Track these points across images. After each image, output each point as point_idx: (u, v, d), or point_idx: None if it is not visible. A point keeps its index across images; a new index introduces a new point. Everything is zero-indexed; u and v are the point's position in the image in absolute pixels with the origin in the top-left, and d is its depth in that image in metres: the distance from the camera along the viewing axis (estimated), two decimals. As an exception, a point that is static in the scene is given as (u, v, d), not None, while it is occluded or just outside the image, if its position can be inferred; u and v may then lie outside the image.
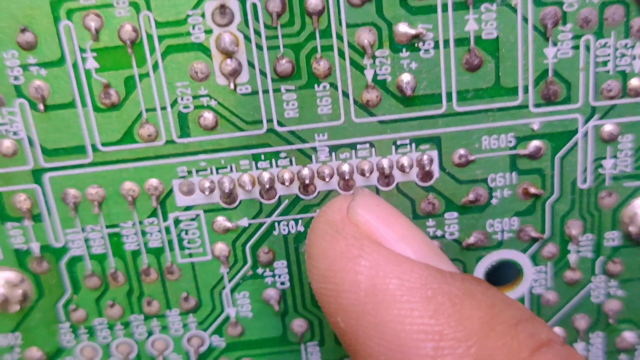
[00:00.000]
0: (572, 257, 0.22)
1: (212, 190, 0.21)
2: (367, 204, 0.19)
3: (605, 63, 0.20)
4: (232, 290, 0.22)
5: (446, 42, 0.20)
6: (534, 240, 0.22)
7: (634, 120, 0.20)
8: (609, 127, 0.21)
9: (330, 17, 0.19)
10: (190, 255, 0.22)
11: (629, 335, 0.23)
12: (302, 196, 0.21)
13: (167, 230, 0.21)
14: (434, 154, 0.21)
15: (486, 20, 0.19)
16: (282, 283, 0.22)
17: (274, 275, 0.22)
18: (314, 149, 0.20)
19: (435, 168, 0.21)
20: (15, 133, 0.20)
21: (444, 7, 0.19)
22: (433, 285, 0.17)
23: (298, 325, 0.22)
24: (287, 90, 0.20)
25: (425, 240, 0.19)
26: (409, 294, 0.17)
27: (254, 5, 0.19)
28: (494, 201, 0.21)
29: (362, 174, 0.21)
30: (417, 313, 0.17)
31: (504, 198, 0.21)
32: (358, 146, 0.20)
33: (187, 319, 0.22)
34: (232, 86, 0.20)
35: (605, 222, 0.22)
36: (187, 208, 0.21)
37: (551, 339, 0.17)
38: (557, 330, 0.23)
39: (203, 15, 0.19)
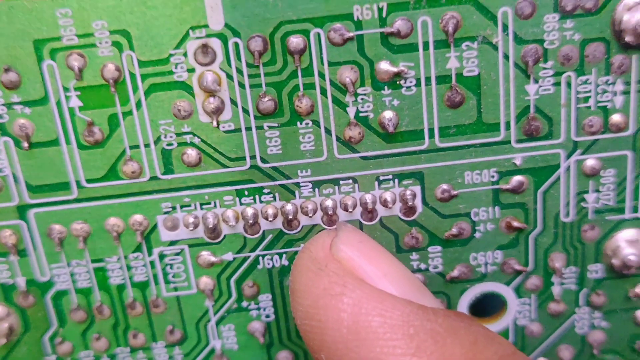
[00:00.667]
0: (555, 289, 0.22)
1: (196, 226, 0.21)
2: (350, 240, 0.19)
3: (586, 99, 0.20)
4: (218, 323, 0.22)
5: (428, 79, 0.20)
6: (518, 272, 0.22)
7: (615, 155, 0.21)
8: (591, 161, 0.21)
9: (312, 56, 0.19)
10: (176, 289, 0.22)
11: (613, 366, 0.23)
12: (285, 231, 0.21)
13: (152, 264, 0.21)
14: (417, 189, 0.21)
15: (467, 57, 0.19)
16: (267, 316, 0.22)
17: (258, 309, 0.22)
18: (297, 184, 0.21)
19: (418, 203, 0.21)
20: (0, 170, 0.20)
21: (425, 46, 0.19)
22: (415, 322, 0.17)
23: (284, 357, 0.22)
24: (270, 128, 0.20)
25: (408, 276, 0.19)
26: (391, 332, 0.17)
27: (236, 45, 0.19)
28: (477, 235, 0.21)
29: (346, 209, 0.21)
30: (399, 351, 0.17)
31: (487, 232, 0.21)
32: (341, 182, 0.21)
33: (173, 351, 0.22)
34: (215, 124, 0.20)
35: (589, 255, 0.22)
36: (172, 243, 0.21)
37: None
38: (542, 360, 0.23)
39: (185, 55, 0.19)
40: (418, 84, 0.20)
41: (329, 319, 0.18)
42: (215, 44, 0.19)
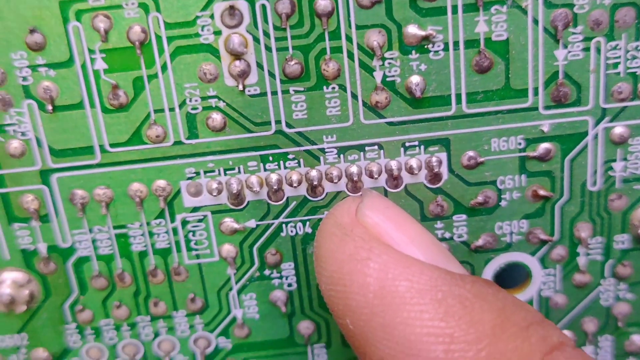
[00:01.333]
0: (581, 260, 0.22)
1: (219, 192, 0.21)
2: (376, 206, 0.19)
3: (615, 65, 0.20)
4: (239, 292, 0.22)
5: (456, 43, 0.19)
6: (543, 242, 0.22)
7: (644, 123, 0.21)
8: (619, 129, 0.21)
9: (340, 19, 0.19)
10: (198, 256, 0.21)
11: (637, 339, 0.23)
12: (310, 198, 0.21)
13: (175, 231, 0.21)
14: (443, 155, 0.21)
15: (496, 22, 0.19)
16: (289, 285, 0.22)
17: (281, 277, 0.22)
18: (323, 150, 0.20)
19: (444, 170, 0.21)
20: (23, 134, 0.20)
21: (454, 9, 0.19)
22: (443, 287, 0.17)
23: (305, 327, 0.22)
24: (296, 92, 0.20)
25: (435, 242, 0.19)
26: (418, 296, 0.17)
27: (263, 7, 0.19)
28: (503, 203, 0.21)
29: (371, 175, 0.20)
30: (427, 315, 0.17)
31: (513, 200, 0.21)
32: (366, 148, 0.20)
33: (194, 320, 0.22)
34: (240, 87, 0.20)
35: (615, 225, 0.22)
36: (195, 209, 0.21)
37: (563, 342, 0.17)
38: (566, 333, 0.23)
39: (212, 17, 0.19)
40: (446, 49, 0.19)
41: (355, 283, 0.18)
42: (242, 6, 0.19)
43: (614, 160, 0.21)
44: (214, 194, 0.21)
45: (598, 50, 0.20)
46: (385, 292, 0.17)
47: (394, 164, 0.21)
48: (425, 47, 0.19)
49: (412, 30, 0.19)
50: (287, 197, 0.21)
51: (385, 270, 0.17)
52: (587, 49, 0.20)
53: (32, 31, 0.19)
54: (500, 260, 0.22)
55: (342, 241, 0.18)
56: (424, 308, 0.17)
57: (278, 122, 0.20)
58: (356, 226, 0.18)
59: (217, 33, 0.19)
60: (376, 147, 0.20)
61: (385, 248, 0.18)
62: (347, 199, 0.20)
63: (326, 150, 0.20)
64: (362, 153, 0.20)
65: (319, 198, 0.21)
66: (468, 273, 0.19)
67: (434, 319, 0.17)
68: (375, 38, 0.19)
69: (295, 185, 0.21)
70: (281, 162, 0.20)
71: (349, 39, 0.19)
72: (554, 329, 0.18)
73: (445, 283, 0.17)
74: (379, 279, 0.17)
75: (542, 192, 0.21)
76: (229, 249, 0.21)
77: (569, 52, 0.20)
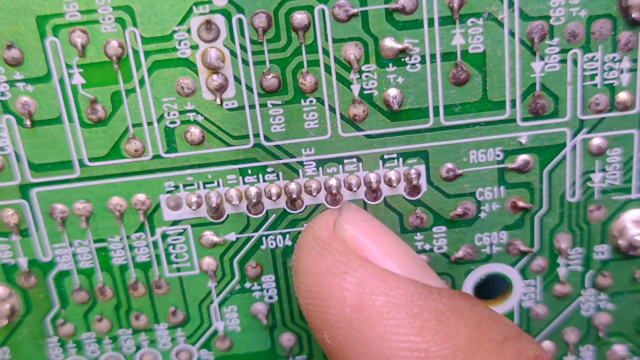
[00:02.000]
0: (561, 271, 0.22)
1: (199, 205, 0.21)
2: (354, 219, 0.19)
3: (592, 77, 0.20)
4: (220, 305, 0.22)
5: (433, 56, 0.19)
6: (523, 253, 0.22)
7: (622, 134, 0.20)
8: (597, 140, 0.21)
9: (316, 32, 0.19)
10: (178, 269, 0.21)
11: (619, 349, 0.23)
12: (289, 210, 0.21)
13: (155, 244, 0.21)
14: (422, 168, 0.21)
15: (473, 34, 0.19)
16: (270, 297, 0.22)
17: (262, 290, 0.22)
18: (301, 163, 0.20)
19: (422, 182, 0.21)
20: (2, 149, 0.20)
21: (430, 22, 0.19)
22: (419, 301, 0.17)
23: (286, 339, 0.22)
24: (274, 105, 0.20)
25: (412, 256, 0.19)
26: (395, 311, 0.17)
27: (240, 21, 0.19)
28: (482, 215, 0.21)
29: (350, 188, 0.20)
30: (403, 330, 0.17)
31: (493, 212, 0.21)
32: (345, 161, 0.20)
33: (175, 333, 0.22)
34: (218, 101, 0.20)
35: (595, 236, 0.22)
36: (175, 223, 0.21)
37: (539, 356, 0.17)
38: (547, 344, 0.23)
39: (189, 31, 0.19)
40: (423, 61, 0.20)
41: (332, 298, 0.18)
42: (219, 20, 0.19)
43: (593, 172, 0.21)
44: (194, 207, 0.21)
45: (575, 62, 0.20)
46: (363, 306, 0.17)
47: (372, 177, 0.21)
48: (402, 60, 0.20)
49: (389, 43, 0.19)
50: (267, 210, 0.21)
51: (362, 284, 0.18)
52: (563, 61, 0.20)
53: (9, 46, 0.19)
54: (480, 272, 0.22)
55: (320, 255, 0.18)
56: (400, 322, 0.17)
57: (256, 135, 0.20)
58: (334, 240, 0.18)
59: (194, 47, 0.19)
60: (355, 159, 0.20)
61: (362, 262, 0.18)
62: (325, 212, 0.20)
63: (305, 163, 0.20)
64: (340, 166, 0.20)
65: (299, 211, 0.21)
66: (446, 286, 0.19)
67: (410, 334, 0.17)
68: (352, 51, 0.19)
69: (274, 198, 0.21)
70: (260, 176, 0.20)
71: (325, 52, 0.19)
72: (531, 342, 0.18)
73: (421, 297, 0.17)
74: (356, 293, 0.17)
75: (521, 204, 0.21)
76: (209, 262, 0.21)
77: (546, 64, 0.20)
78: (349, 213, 0.19)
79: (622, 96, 0.20)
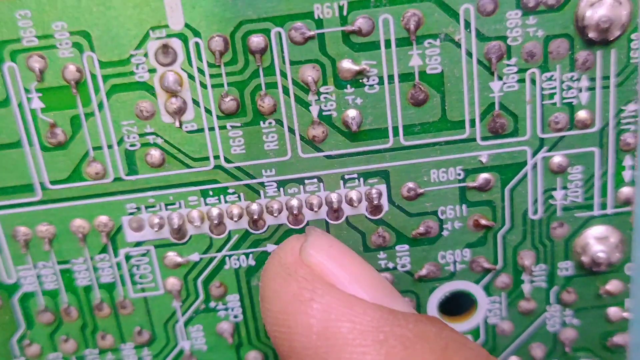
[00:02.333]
0: (525, 287, 0.22)
1: (161, 226, 0.21)
2: (320, 244, 0.19)
3: (552, 96, 0.20)
4: (186, 324, 0.22)
5: (390, 77, 0.19)
6: (487, 271, 0.22)
7: (582, 152, 0.20)
8: (557, 158, 0.21)
9: (274, 55, 0.19)
10: (143, 290, 0.22)
11: (585, 364, 0.23)
12: (251, 231, 0.21)
13: (119, 265, 0.21)
14: (383, 187, 0.21)
15: (430, 55, 0.19)
16: (236, 316, 0.22)
17: (226, 309, 0.22)
18: (262, 184, 0.20)
19: (384, 202, 0.21)
20: (-37, 172, 0.20)
21: (387, 43, 0.19)
22: (385, 328, 0.17)
23: (253, 357, 0.22)
24: (233, 127, 0.20)
25: (379, 280, 0.19)
26: (360, 337, 0.17)
27: (197, 45, 0.19)
28: (444, 233, 0.21)
29: (311, 208, 0.20)
30: (369, 357, 0.17)
31: (455, 230, 0.21)
32: (306, 181, 0.20)
33: (142, 352, 0.22)
34: (177, 124, 0.20)
35: (558, 252, 0.22)
36: (138, 244, 0.21)
37: None
38: (514, 359, 0.23)
39: (146, 55, 0.19)
40: (381, 82, 0.20)
41: (298, 325, 0.18)
42: (176, 44, 0.19)
43: (554, 189, 0.21)
44: (156, 229, 0.21)
45: (533, 82, 0.20)
46: (329, 333, 0.17)
47: (334, 197, 0.21)
48: (360, 81, 0.20)
49: (346, 65, 0.19)
50: (229, 231, 0.21)
51: (328, 310, 0.17)
52: (522, 80, 0.20)
53: (-32, 72, 0.19)
54: (444, 289, 0.22)
55: (286, 281, 0.18)
56: (365, 350, 0.17)
57: (217, 157, 0.20)
58: (300, 266, 0.18)
59: (152, 71, 0.19)
60: (315, 180, 0.20)
61: (328, 288, 0.18)
62: (291, 238, 0.20)
63: (266, 184, 0.20)
64: (301, 186, 0.21)
65: (261, 231, 0.21)
66: (413, 310, 0.19)
67: None
68: (309, 73, 0.19)
69: (236, 219, 0.21)
70: (221, 197, 0.21)
71: (283, 74, 0.19)
72: None
73: (387, 323, 0.17)
74: (322, 320, 0.17)
75: (483, 222, 0.21)
76: (173, 282, 0.21)
77: (504, 83, 0.20)
78: (314, 238, 0.19)
79: (582, 114, 0.20)
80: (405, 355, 0.17)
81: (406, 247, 0.21)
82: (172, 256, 0.21)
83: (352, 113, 0.20)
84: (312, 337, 0.17)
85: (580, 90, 0.20)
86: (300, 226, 0.21)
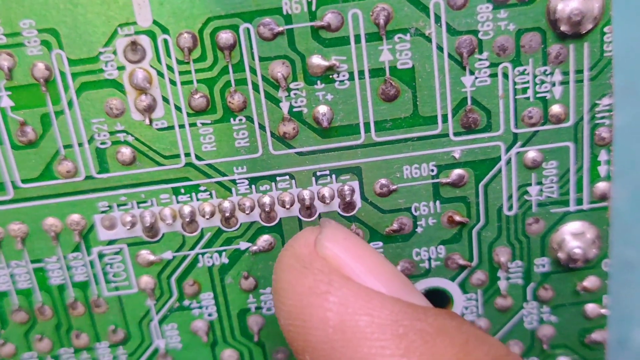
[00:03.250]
0: (502, 284, 0.22)
1: (133, 225, 0.21)
2: (335, 237, 0.18)
3: (524, 90, 0.20)
4: (160, 322, 0.22)
5: (361, 73, 0.19)
6: (462, 267, 0.22)
7: (557, 147, 0.20)
8: (532, 153, 0.20)
9: (243, 51, 0.19)
10: (117, 288, 0.21)
11: (563, 361, 0.23)
12: (224, 228, 0.21)
13: (92, 264, 0.21)
14: (355, 184, 0.21)
15: (400, 50, 0.19)
16: (210, 314, 0.22)
17: (200, 307, 0.22)
18: (234, 181, 0.20)
19: (357, 198, 0.21)
20: None
21: (357, 39, 0.19)
22: (404, 321, 0.17)
23: (228, 355, 0.22)
24: (203, 124, 0.20)
25: (396, 273, 0.19)
26: (379, 331, 0.17)
27: (165, 41, 0.19)
28: (418, 230, 0.21)
29: (283, 205, 0.20)
30: (388, 351, 0.16)
31: (429, 226, 0.21)
32: (278, 178, 0.20)
33: (117, 350, 0.22)
34: (147, 122, 0.20)
35: (534, 249, 0.21)
36: (110, 242, 0.21)
37: None
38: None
39: (115, 52, 0.19)
40: (351, 78, 0.19)
41: (314, 318, 0.17)
42: (144, 41, 0.19)
43: (529, 185, 0.21)
44: (128, 227, 0.21)
45: (505, 76, 0.20)
46: (346, 326, 0.17)
47: (306, 194, 0.20)
48: (330, 77, 0.19)
49: (316, 60, 0.19)
50: (202, 228, 0.21)
51: (345, 304, 0.17)
52: (494, 75, 0.20)
53: (-64, 71, 0.19)
54: (420, 286, 0.22)
55: (301, 274, 0.18)
56: (385, 344, 0.17)
57: (187, 154, 0.20)
58: (315, 258, 0.18)
59: (121, 68, 0.19)
60: (287, 177, 0.20)
61: (345, 281, 0.17)
62: (305, 230, 0.19)
63: (237, 181, 0.20)
64: (273, 183, 0.20)
65: (234, 229, 0.21)
66: (431, 305, 0.18)
67: (395, 355, 0.16)
68: (279, 69, 0.19)
69: (208, 216, 0.20)
70: (193, 194, 0.20)
71: (253, 71, 0.19)
72: None
73: (406, 317, 0.17)
74: (338, 314, 0.17)
75: (457, 218, 0.21)
76: (147, 280, 0.21)
77: (476, 78, 0.20)
78: (330, 230, 0.19)
79: (556, 109, 0.20)
80: (425, 349, 0.16)
81: (380, 244, 0.21)
82: (145, 254, 0.21)
83: (322, 109, 0.20)
84: (329, 330, 0.17)
85: (553, 84, 0.20)
86: (273, 223, 0.21)
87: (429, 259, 0.21)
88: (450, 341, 0.17)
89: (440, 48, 0.19)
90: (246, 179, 0.20)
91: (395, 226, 0.21)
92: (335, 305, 0.17)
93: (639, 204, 0.26)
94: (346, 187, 0.20)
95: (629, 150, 0.25)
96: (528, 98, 0.20)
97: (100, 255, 0.21)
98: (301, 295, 0.17)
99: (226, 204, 0.20)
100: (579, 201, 0.21)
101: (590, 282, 0.22)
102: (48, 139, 0.20)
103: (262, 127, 0.20)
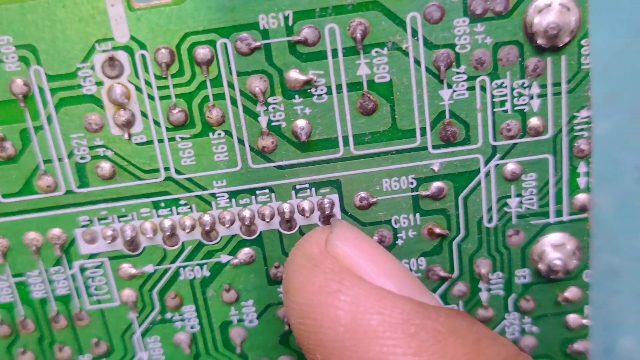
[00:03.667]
0: (483, 296, 0.22)
1: (114, 239, 0.21)
2: (346, 236, 0.18)
3: (503, 103, 0.20)
4: (143, 335, 0.22)
5: (339, 87, 0.19)
6: (443, 279, 0.22)
7: (536, 159, 0.20)
8: (511, 166, 0.20)
9: (220, 66, 0.19)
10: (99, 301, 0.22)
11: (546, 371, 0.23)
12: (205, 242, 0.21)
13: (74, 277, 0.21)
14: (335, 197, 0.21)
15: (378, 64, 0.19)
16: (192, 327, 0.22)
17: (183, 320, 0.22)
18: (214, 195, 0.20)
19: (337, 211, 0.21)
20: None
21: (334, 53, 0.19)
22: (416, 320, 0.17)
23: (211, 367, 0.23)
24: (182, 139, 0.20)
25: (407, 273, 0.19)
26: (391, 330, 0.17)
27: (143, 57, 0.19)
28: (399, 242, 0.21)
29: (263, 219, 0.20)
30: (399, 350, 0.16)
31: (409, 239, 0.21)
32: (257, 192, 0.20)
33: (100, 363, 0.23)
34: (126, 136, 0.20)
35: (515, 260, 0.21)
36: (92, 256, 0.21)
37: None
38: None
39: (93, 68, 0.19)
40: (329, 92, 0.19)
41: (325, 317, 0.17)
42: (122, 56, 0.19)
43: (509, 197, 0.21)
44: (109, 241, 0.21)
45: (483, 89, 0.20)
46: (357, 325, 0.17)
47: (286, 207, 0.20)
48: (308, 91, 0.19)
49: (294, 75, 0.19)
50: (183, 242, 0.21)
51: (356, 302, 0.17)
52: (472, 88, 0.20)
53: None
54: (401, 298, 0.22)
55: (312, 273, 0.18)
56: (396, 342, 0.17)
57: (167, 169, 0.20)
58: (326, 257, 0.18)
59: (99, 84, 0.19)
60: (267, 190, 0.20)
61: (356, 280, 0.17)
62: (316, 230, 0.19)
63: (217, 195, 0.20)
64: (253, 197, 0.20)
65: (214, 242, 0.21)
66: (442, 304, 0.18)
67: (407, 354, 0.16)
68: (257, 84, 0.19)
69: (188, 230, 0.20)
70: (174, 208, 0.20)
71: (231, 85, 0.19)
72: None
73: (418, 316, 0.17)
74: (350, 312, 0.17)
75: (437, 230, 0.21)
76: (129, 293, 0.21)
77: (454, 91, 0.20)
78: (340, 230, 0.19)
79: (534, 121, 0.20)
80: (437, 348, 0.16)
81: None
82: (127, 268, 0.21)
83: (301, 123, 0.20)
84: (340, 329, 0.17)
85: (531, 97, 0.20)
86: (254, 237, 0.21)
87: (410, 271, 0.21)
88: (462, 340, 0.17)
89: (417, 62, 0.19)
90: (226, 192, 0.20)
91: (375, 238, 0.21)
92: (347, 304, 0.17)
93: (623, 212, 0.26)
94: (326, 200, 0.20)
95: (611, 159, 0.25)
96: (506, 111, 0.20)
97: (82, 269, 0.21)
98: (312, 294, 0.17)
99: (206, 218, 0.21)
100: (559, 213, 0.21)
101: (572, 292, 0.22)
102: (28, 154, 0.20)
103: (241, 141, 0.20)
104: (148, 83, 0.19)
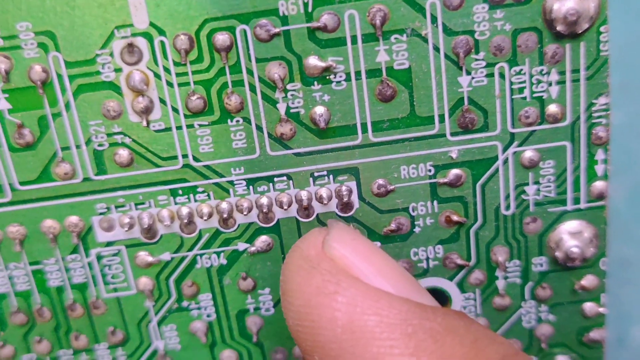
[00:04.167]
0: (500, 284, 0.22)
1: (131, 226, 0.21)
2: (343, 237, 0.19)
3: (521, 90, 0.20)
4: (159, 323, 0.22)
5: (358, 73, 0.19)
6: (460, 267, 0.22)
7: (554, 146, 0.20)
8: (529, 153, 0.20)
9: (239, 53, 0.19)
10: (115, 289, 0.22)
11: (562, 359, 0.23)
12: (222, 229, 0.21)
13: (90, 265, 0.21)
14: (353, 184, 0.21)
15: (397, 50, 0.19)
16: (208, 315, 0.22)
17: (199, 308, 0.22)
18: (231, 182, 0.20)
19: (354, 199, 0.21)
20: None
21: (354, 39, 0.19)
22: (413, 321, 0.17)
23: (227, 356, 0.22)
24: (201, 126, 0.20)
25: (404, 274, 0.19)
26: (388, 331, 0.17)
27: (162, 43, 0.19)
28: (416, 230, 0.21)
29: (281, 206, 0.20)
30: (397, 351, 0.16)
31: (427, 226, 0.21)
32: (275, 179, 0.20)
33: (116, 352, 0.22)
34: (144, 123, 0.20)
35: (532, 248, 0.21)
36: (109, 244, 0.21)
37: None
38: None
39: (112, 54, 0.19)
40: (348, 79, 0.19)
41: (323, 318, 0.17)
42: (141, 43, 0.19)
43: (527, 184, 0.21)
44: (126, 228, 0.21)
45: (502, 76, 0.20)
46: (354, 326, 0.17)
47: (304, 194, 0.20)
48: (327, 77, 0.19)
49: (313, 61, 0.19)
50: (200, 230, 0.21)
51: (353, 304, 0.17)
52: (490, 75, 0.20)
53: None
54: (418, 286, 0.22)
55: (309, 274, 0.18)
56: (394, 343, 0.17)
57: (185, 156, 0.20)
58: (323, 259, 0.18)
59: (118, 70, 0.19)
60: (285, 177, 0.20)
61: (353, 281, 0.17)
62: (313, 231, 0.19)
63: (235, 182, 0.20)
64: (271, 184, 0.20)
65: (232, 229, 0.21)
66: (439, 305, 0.18)
67: (405, 354, 0.16)
68: (275, 70, 0.19)
69: (206, 218, 0.20)
70: (191, 195, 0.20)
71: (249, 72, 0.19)
72: None
73: (415, 316, 0.17)
74: (347, 313, 0.17)
75: (455, 218, 0.21)
76: (145, 281, 0.21)
77: (473, 78, 0.20)
78: (337, 231, 0.19)
79: (552, 109, 0.20)
80: (435, 348, 0.16)
81: (378, 244, 0.21)
82: (144, 256, 0.21)
83: (319, 110, 0.20)
84: (337, 330, 0.17)
85: (550, 84, 0.20)
86: (271, 224, 0.21)
87: (427, 259, 0.21)
88: (460, 340, 0.17)
89: (436, 48, 0.19)
90: (244, 180, 0.20)
91: (393, 226, 0.21)
92: (344, 305, 0.17)
93: (637, 202, 0.26)
94: (344, 188, 0.20)
95: (626, 149, 0.25)
96: (525, 98, 0.20)
97: (99, 257, 0.21)
98: (309, 295, 0.17)
99: (224, 205, 0.21)
100: (577, 200, 0.21)
101: (588, 281, 0.22)
102: (46, 141, 0.20)
103: (259, 128, 0.20)
104: (167, 69, 0.19)
